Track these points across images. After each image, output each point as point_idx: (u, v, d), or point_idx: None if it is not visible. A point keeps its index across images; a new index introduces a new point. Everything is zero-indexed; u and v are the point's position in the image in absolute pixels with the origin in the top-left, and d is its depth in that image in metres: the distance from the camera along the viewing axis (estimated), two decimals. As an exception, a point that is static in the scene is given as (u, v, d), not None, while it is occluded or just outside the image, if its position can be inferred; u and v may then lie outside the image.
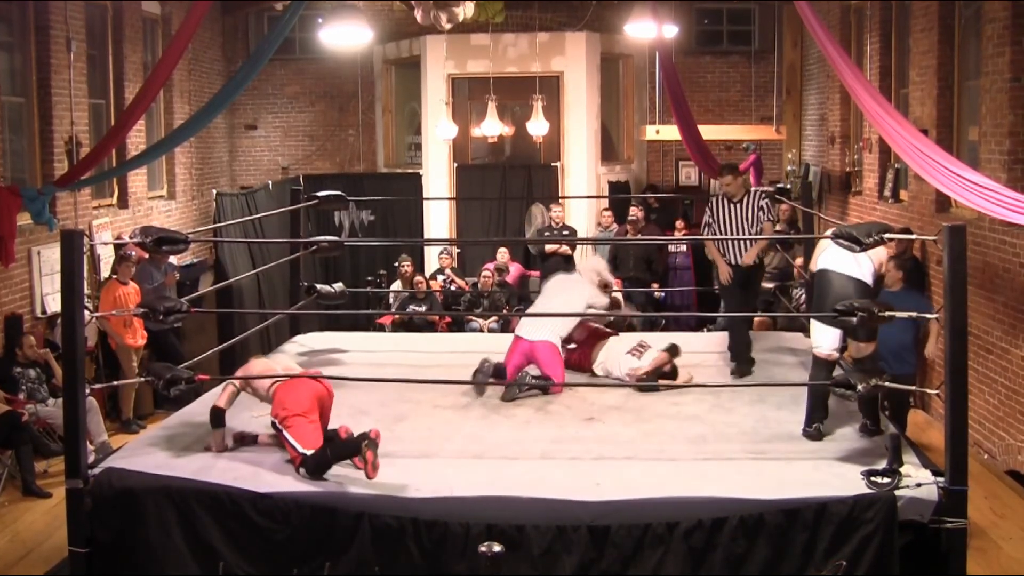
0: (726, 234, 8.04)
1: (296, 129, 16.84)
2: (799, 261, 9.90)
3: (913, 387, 9.80)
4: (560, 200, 13.88)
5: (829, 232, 5.98)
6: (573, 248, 13.48)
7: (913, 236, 7.11)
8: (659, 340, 8.12)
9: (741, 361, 7.85)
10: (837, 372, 6.32)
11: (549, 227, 13.53)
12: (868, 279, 6.17)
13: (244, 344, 10.11)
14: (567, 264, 13.43)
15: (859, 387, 5.52)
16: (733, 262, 8.07)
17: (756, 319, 10.68)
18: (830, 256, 6.20)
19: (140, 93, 9.52)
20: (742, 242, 7.98)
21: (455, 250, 14.06)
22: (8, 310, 9.58)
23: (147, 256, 10.76)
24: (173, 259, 11.35)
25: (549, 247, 13.20)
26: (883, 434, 6.03)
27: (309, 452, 5.61)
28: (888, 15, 11.70)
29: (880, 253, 6.13)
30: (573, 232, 13.62)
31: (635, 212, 13.37)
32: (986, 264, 8.66)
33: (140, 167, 11.98)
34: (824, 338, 6.27)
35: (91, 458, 6.10)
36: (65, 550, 5.62)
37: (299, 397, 5.89)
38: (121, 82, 12.36)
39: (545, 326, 7.46)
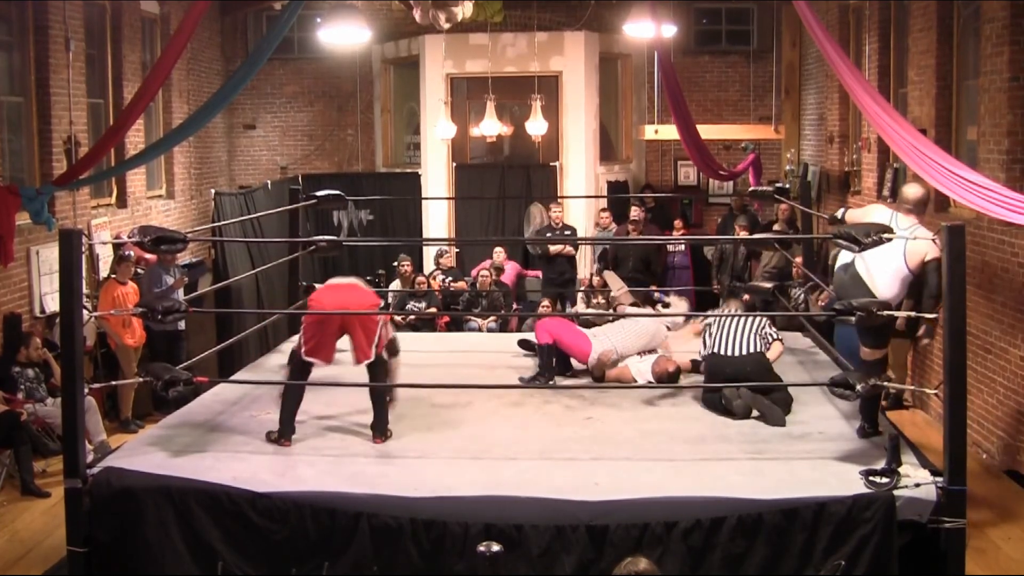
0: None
1: (295, 129, 16.84)
2: (799, 260, 9.90)
3: (912, 387, 9.86)
4: (559, 200, 13.88)
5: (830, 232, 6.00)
6: (576, 248, 13.48)
7: (911, 236, 7.10)
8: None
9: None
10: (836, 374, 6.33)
11: (549, 227, 13.51)
12: (881, 286, 6.14)
13: (243, 344, 10.12)
14: (571, 265, 13.43)
15: (858, 387, 5.53)
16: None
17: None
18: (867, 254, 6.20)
19: (139, 92, 9.50)
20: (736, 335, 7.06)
21: (454, 250, 14.06)
22: (7, 310, 9.57)
23: (155, 259, 10.77)
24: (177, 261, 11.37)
25: (553, 248, 13.20)
26: (882, 435, 6.04)
27: (302, 351, 6.21)
28: (887, 15, 11.70)
29: (920, 251, 6.10)
30: (574, 232, 13.62)
31: (637, 212, 13.37)
32: (985, 264, 8.66)
33: (139, 166, 11.97)
34: None
35: (90, 458, 6.10)
36: (64, 550, 5.62)
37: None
38: (120, 81, 12.35)
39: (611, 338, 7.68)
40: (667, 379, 7.37)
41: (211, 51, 15.70)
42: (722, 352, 6.86)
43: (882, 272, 6.11)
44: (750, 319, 7.07)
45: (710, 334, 7.05)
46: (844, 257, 6.32)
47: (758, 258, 12.62)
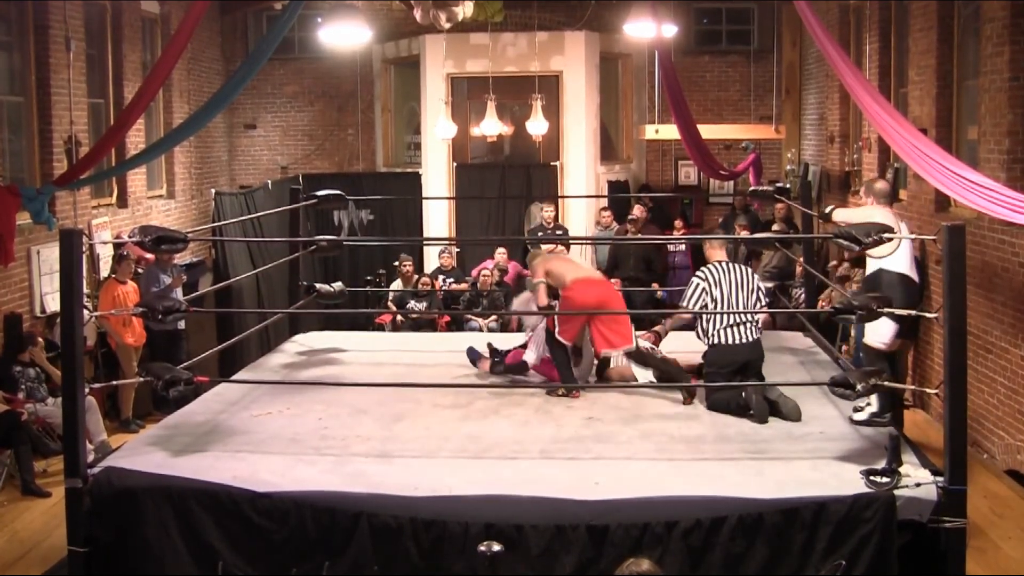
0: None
1: (295, 128, 16.85)
2: (801, 259, 9.89)
3: (912, 387, 9.86)
4: (553, 199, 13.84)
5: (830, 232, 6.02)
6: (568, 248, 13.44)
7: (912, 236, 7.12)
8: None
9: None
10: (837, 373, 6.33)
11: (541, 227, 13.48)
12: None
13: (243, 344, 10.11)
14: None
15: (858, 387, 5.53)
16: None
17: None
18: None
19: (139, 92, 9.51)
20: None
21: (454, 250, 14.06)
22: (7, 309, 9.58)
23: (153, 259, 10.78)
24: (176, 261, 11.37)
25: (547, 248, 13.15)
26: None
27: (560, 339, 7.04)
28: (887, 14, 11.70)
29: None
30: (565, 232, 13.60)
31: (639, 211, 13.35)
32: (985, 263, 8.66)
33: (139, 166, 11.98)
34: (879, 332, 6.62)
35: (90, 457, 6.10)
36: (64, 549, 5.61)
37: (580, 302, 7.13)
38: (120, 81, 12.36)
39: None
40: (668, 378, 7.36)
41: (211, 51, 15.71)
42: (727, 342, 6.82)
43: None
44: (745, 279, 6.93)
45: (707, 317, 6.86)
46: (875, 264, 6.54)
47: (759, 257, 12.63)
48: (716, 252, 7.17)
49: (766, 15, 16.31)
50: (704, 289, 6.91)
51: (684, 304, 7.00)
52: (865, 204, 7.31)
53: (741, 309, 6.82)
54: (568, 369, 7.26)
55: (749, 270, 7.11)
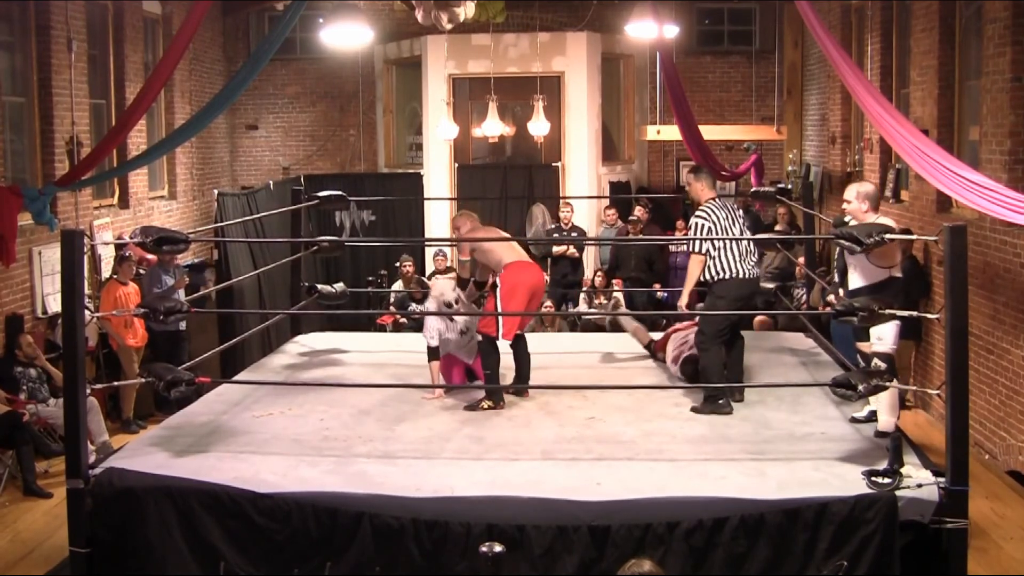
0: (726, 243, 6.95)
1: (297, 129, 16.85)
2: (802, 260, 9.89)
3: (914, 387, 9.86)
4: (567, 200, 13.82)
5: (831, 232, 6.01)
6: (581, 250, 13.43)
7: (913, 236, 7.12)
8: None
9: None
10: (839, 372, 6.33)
11: (559, 228, 13.43)
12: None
13: (245, 344, 10.12)
14: (574, 268, 13.38)
15: (860, 387, 5.53)
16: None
17: (757, 319, 10.68)
18: None
19: (141, 93, 9.50)
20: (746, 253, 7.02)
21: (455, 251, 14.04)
22: (9, 310, 9.59)
23: (155, 259, 10.78)
24: (179, 261, 11.37)
25: (557, 249, 13.13)
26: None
27: (493, 335, 6.88)
28: (889, 15, 11.71)
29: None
30: (582, 233, 13.56)
31: (640, 212, 13.35)
32: (987, 264, 8.66)
33: (141, 167, 11.98)
34: (887, 337, 6.54)
35: (92, 458, 6.10)
36: (66, 550, 5.62)
37: (521, 281, 7.02)
38: (122, 82, 12.37)
39: None
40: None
41: (213, 51, 15.72)
42: (740, 276, 6.85)
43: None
44: (735, 215, 7.04)
45: (721, 250, 6.84)
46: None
47: (760, 258, 12.63)
48: (706, 191, 7.14)
49: (768, 15, 16.30)
50: (709, 228, 6.92)
51: (697, 248, 6.91)
52: (854, 207, 6.95)
53: (741, 243, 6.92)
54: (498, 375, 7.01)
55: (734, 205, 7.23)
